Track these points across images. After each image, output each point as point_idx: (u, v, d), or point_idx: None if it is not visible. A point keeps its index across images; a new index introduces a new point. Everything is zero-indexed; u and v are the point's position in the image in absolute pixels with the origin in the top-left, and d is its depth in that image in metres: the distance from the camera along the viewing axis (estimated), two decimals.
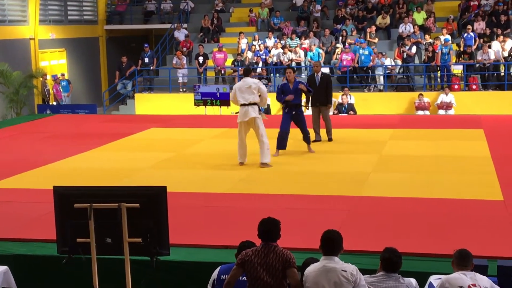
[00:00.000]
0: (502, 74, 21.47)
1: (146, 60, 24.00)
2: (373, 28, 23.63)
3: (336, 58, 22.72)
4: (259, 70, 22.92)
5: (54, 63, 25.47)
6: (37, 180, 11.53)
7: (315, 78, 14.40)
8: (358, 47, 22.46)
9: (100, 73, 28.36)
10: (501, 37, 22.03)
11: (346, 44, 23.12)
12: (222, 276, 6.00)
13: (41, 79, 22.88)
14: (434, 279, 6.03)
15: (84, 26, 27.45)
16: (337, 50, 22.91)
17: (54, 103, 22.63)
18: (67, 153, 13.70)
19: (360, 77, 22.62)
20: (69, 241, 5.70)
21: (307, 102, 14.41)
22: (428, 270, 6.71)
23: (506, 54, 21.48)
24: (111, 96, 25.00)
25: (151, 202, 5.60)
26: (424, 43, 22.39)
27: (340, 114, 19.92)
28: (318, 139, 14.28)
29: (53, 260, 7.39)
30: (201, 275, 6.93)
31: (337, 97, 20.99)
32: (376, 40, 23.34)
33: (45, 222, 8.36)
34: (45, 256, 7.74)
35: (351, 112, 20.02)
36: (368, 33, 23.50)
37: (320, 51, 22.98)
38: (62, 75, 23.69)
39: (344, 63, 22.19)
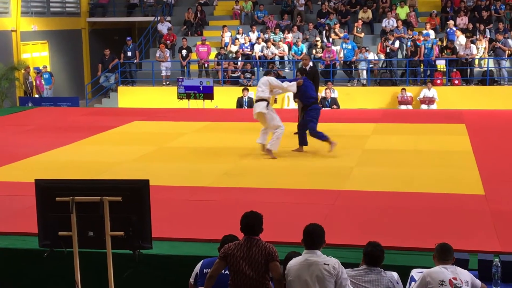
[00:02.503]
0: (484, 69, 21.62)
1: (129, 53, 23.88)
2: (360, 22, 23.66)
3: (316, 52, 22.69)
4: (239, 63, 22.95)
5: (36, 55, 25.29)
6: (18, 173, 11.45)
7: (302, 71, 14.45)
8: (342, 42, 22.50)
9: (83, 66, 28.20)
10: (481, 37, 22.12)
11: (330, 40, 23.12)
12: (204, 269, 6.00)
13: (23, 71, 22.72)
14: (415, 273, 6.06)
15: (67, 18, 27.26)
16: (318, 43, 22.81)
17: (36, 95, 22.48)
18: (49, 146, 13.61)
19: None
20: (50, 234, 5.68)
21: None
22: (410, 263, 6.75)
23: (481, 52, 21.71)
24: (93, 89, 24.87)
25: (133, 195, 5.59)
26: (406, 37, 22.44)
27: (323, 108, 19.94)
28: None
29: (34, 253, 7.34)
30: (184, 268, 6.92)
31: (320, 91, 21.03)
32: (363, 34, 23.38)
33: (27, 216, 8.30)
34: (27, 250, 7.69)
35: (334, 106, 20.06)
36: (355, 28, 23.52)
37: (304, 47, 22.96)
38: (44, 67, 23.52)
39: (328, 61, 22.15)
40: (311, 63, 15.41)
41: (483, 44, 21.85)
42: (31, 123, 17.08)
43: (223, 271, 5.65)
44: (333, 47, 22.59)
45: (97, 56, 25.50)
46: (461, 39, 21.94)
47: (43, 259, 6.03)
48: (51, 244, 5.74)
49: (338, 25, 23.74)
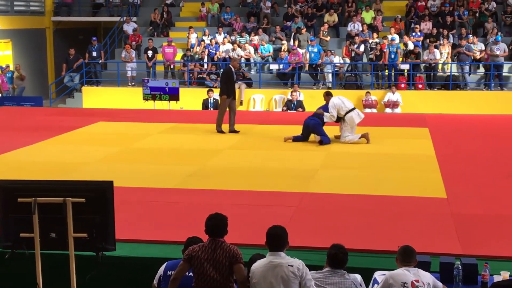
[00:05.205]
0: (448, 74, 21.90)
1: (94, 53, 23.67)
2: (326, 26, 23.78)
3: (280, 56, 22.76)
4: (205, 66, 22.92)
5: None
6: None
7: (233, 72, 15.33)
8: (308, 44, 22.60)
9: (47, 65, 27.87)
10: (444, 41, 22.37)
11: (296, 43, 23.20)
12: (168, 272, 5.98)
13: None
14: (378, 275, 6.12)
15: (31, 17, 26.93)
16: (283, 47, 22.93)
17: None
18: (12, 146, 13.43)
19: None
20: (12, 235, 5.60)
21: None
22: (373, 266, 6.80)
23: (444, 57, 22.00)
24: (57, 88, 24.60)
25: (97, 196, 5.54)
26: (370, 42, 22.62)
27: (289, 111, 20.03)
28: (222, 131, 14.98)
29: None
30: (148, 270, 6.89)
31: (286, 94, 21.11)
32: (328, 38, 23.50)
33: None
34: None
35: (300, 109, 20.13)
36: (321, 31, 23.62)
37: (271, 47, 23.04)
38: (7, 66, 23.20)
39: (294, 64, 22.21)
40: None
41: (446, 49, 22.13)
42: None
43: (187, 273, 5.64)
44: (299, 50, 22.68)
45: (62, 56, 25.23)
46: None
47: (4, 260, 5.94)
48: (12, 245, 5.66)
49: (304, 29, 23.81)
